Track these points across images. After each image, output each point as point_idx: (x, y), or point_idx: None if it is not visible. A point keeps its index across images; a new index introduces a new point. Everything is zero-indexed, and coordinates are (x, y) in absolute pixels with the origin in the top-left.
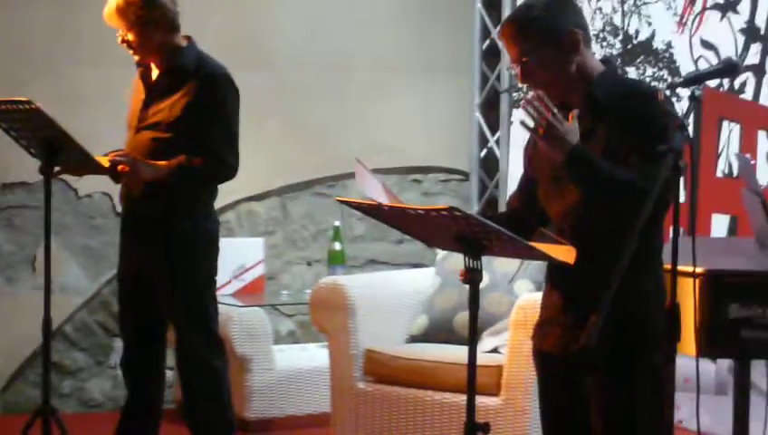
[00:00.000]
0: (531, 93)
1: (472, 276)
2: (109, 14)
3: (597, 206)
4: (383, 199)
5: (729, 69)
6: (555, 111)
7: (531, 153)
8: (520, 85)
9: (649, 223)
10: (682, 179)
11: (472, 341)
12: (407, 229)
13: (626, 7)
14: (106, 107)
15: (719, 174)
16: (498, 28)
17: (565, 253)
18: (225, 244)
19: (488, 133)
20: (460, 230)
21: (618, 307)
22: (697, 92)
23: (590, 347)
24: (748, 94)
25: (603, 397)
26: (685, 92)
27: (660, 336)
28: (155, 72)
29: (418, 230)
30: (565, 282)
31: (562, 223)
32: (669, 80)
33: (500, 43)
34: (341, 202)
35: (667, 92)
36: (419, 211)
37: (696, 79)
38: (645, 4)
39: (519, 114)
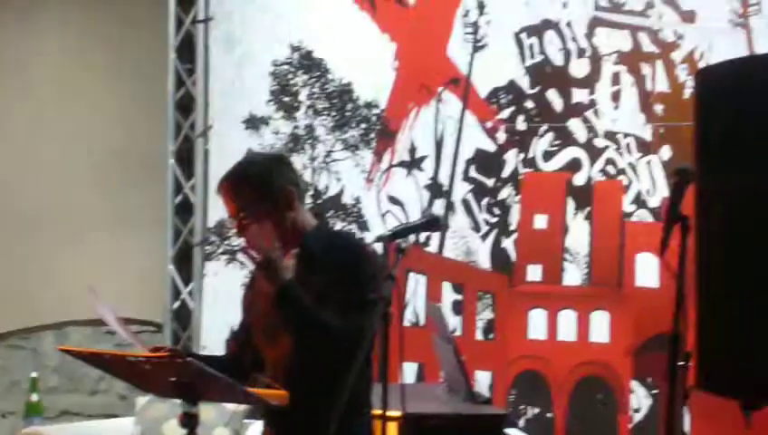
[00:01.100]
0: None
1: (189, 421)
2: None
3: (308, 355)
4: (115, 325)
5: (432, 223)
6: (276, 244)
7: (249, 302)
8: (212, 238)
9: (360, 370)
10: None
11: None
12: (125, 376)
13: (316, 164)
14: None
15: (406, 323)
16: (189, 183)
17: (280, 397)
18: None
19: (181, 285)
20: (178, 376)
21: None
22: (403, 245)
23: None
24: (433, 247)
25: None
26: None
27: None
28: None
29: (138, 378)
30: (280, 425)
31: (276, 370)
32: (360, 233)
33: (192, 198)
34: (63, 351)
35: (375, 245)
36: (140, 358)
37: (402, 232)
38: (334, 161)
39: (213, 266)
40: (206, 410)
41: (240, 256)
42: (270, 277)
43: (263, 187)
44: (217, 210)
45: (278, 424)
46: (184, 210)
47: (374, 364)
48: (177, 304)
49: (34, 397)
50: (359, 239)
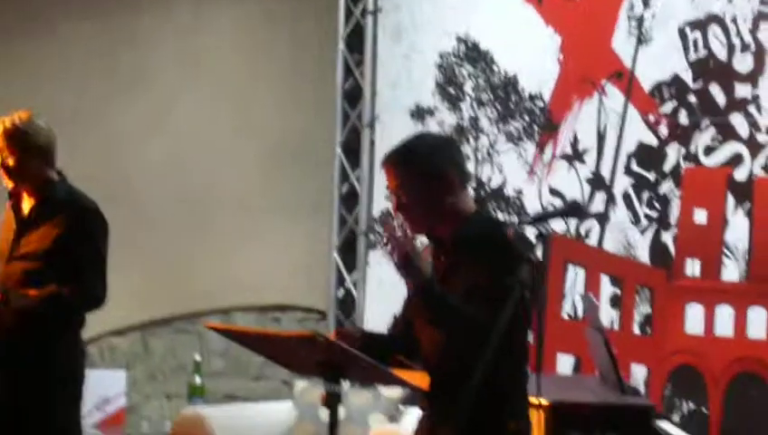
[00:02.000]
0: (394, 221)
1: (332, 400)
2: None
3: (453, 346)
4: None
5: (573, 210)
6: (413, 242)
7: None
8: (377, 228)
9: (502, 350)
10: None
11: None
12: (271, 355)
13: (479, 156)
14: None
15: (564, 316)
16: (356, 173)
17: (420, 379)
18: (87, 375)
19: (345, 274)
20: (322, 356)
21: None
22: (544, 231)
23: None
24: (593, 240)
25: None
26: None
27: None
28: (26, 204)
29: (282, 356)
30: (430, 407)
31: (428, 354)
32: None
33: (358, 187)
34: (210, 328)
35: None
36: (284, 337)
37: (542, 218)
38: (497, 152)
39: (376, 255)
40: (362, 396)
41: (383, 252)
42: (408, 274)
43: (425, 166)
44: (382, 200)
45: (427, 408)
46: (349, 199)
47: (525, 351)
48: (341, 292)
49: (197, 380)
50: (503, 224)
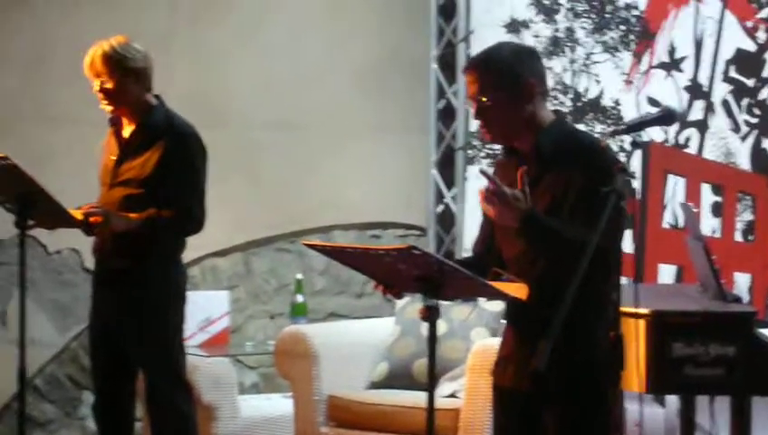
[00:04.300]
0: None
1: (430, 314)
2: (91, 61)
3: (554, 266)
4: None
5: (668, 116)
6: (503, 189)
7: None
8: (474, 142)
9: (596, 261)
10: (630, 230)
11: (431, 376)
12: (369, 271)
13: (575, 67)
14: (73, 164)
15: (665, 225)
16: (452, 88)
17: (517, 290)
18: (190, 296)
19: (444, 190)
20: (419, 270)
21: (568, 336)
22: (638, 139)
23: (540, 371)
24: (692, 149)
25: (559, 427)
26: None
27: (607, 365)
28: (127, 130)
29: (380, 272)
30: (520, 318)
31: (517, 262)
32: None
33: (455, 103)
34: (307, 245)
35: (610, 140)
36: (380, 251)
37: (637, 126)
38: (594, 63)
39: (474, 170)
40: (464, 311)
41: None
42: (507, 218)
43: (506, 73)
44: None
45: (517, 320)
46: (446, 115)
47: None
48: (440, 208)
49: (299, 298)
50: (592, 135)
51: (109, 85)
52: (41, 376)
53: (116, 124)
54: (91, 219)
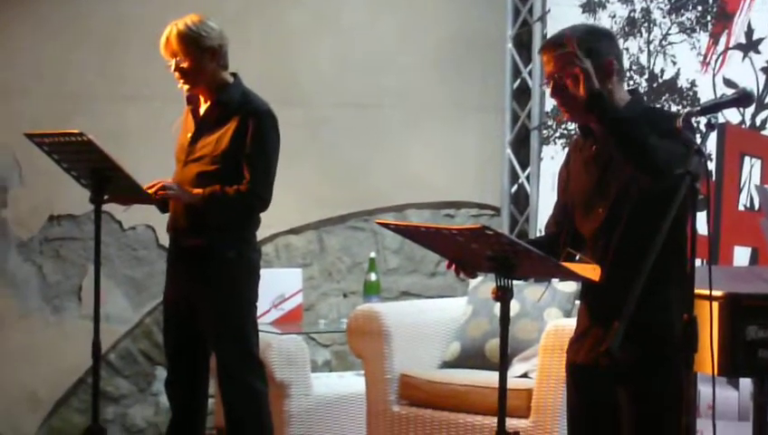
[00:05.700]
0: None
1: (503, 294)
2: (167, 39)
3: (622, 225)
4: None
5: (744, 98)
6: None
7: (564, 179)
8: (549, 123)
9: (672, 238)
10: (705, 212)
11: (503, 356)
12: (441, 250)
13: (651, 47)
14: (146, 142)
15: (741, 207)
16: (527, 68)
17: (591, 271)
18: (264, 274)
19: (519, 169)
20: (491, 250)
21: (642, 316)
22: (714, 120)
23: (614, 351)
24: None
25: (631, 405)
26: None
27: (680, 346)
28: (203, 107)
29: (453, 251)
30: (595, 298)
31: (593, 242)
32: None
33: (530, 82)
34: (381, 224)
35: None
36: (453, 231)
37: (712, 108)
38: (670, 44)
39: (549, 150)
40: (538, 291)
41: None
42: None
43: (587, 54)
44: None
45: (592, 300)
46: (521, 95)
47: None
48: (514, 188)
49: (372, 277)
50: (669, 112)
51: (185, 64)
52: (115, 351)
53: (193, 102)
54: (151, 190)
